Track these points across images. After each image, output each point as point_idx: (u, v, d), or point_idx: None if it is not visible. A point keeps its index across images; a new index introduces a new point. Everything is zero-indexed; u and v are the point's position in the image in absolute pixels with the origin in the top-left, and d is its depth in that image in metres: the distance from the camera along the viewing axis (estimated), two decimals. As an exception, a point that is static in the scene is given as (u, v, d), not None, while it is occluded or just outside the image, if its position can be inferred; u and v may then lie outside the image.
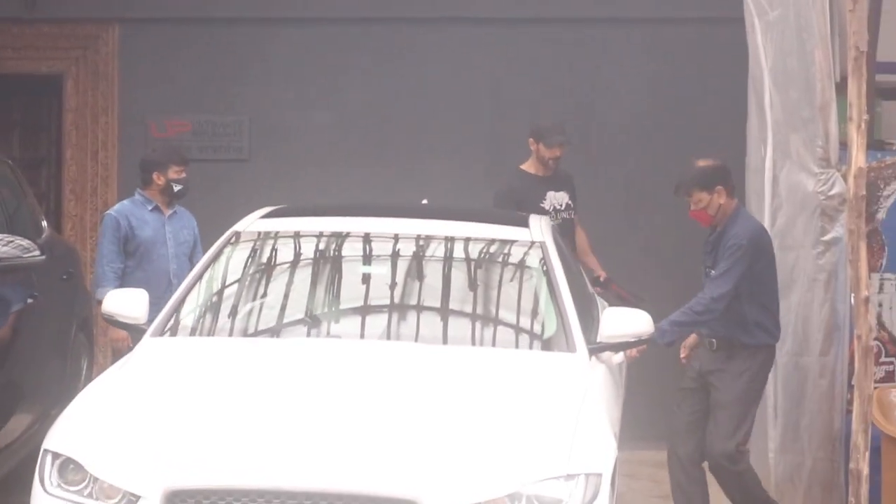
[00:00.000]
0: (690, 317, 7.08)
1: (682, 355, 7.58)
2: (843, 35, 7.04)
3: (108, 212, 8.44)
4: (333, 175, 10.29)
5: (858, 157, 6.17)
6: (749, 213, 7.68)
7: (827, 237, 7.73)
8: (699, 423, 7.32)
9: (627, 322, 6.34)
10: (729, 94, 9.37)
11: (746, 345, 7.23)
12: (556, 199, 8.81)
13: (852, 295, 6.31)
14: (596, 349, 6.27)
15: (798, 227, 7.83)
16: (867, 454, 6.11)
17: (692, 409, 7.35)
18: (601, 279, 8.78)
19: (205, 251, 7.19)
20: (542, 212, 8.42)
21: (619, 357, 6.57)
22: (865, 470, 6.10)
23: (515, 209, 8.21)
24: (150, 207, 8.39)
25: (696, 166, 7.36)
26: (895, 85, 8.71)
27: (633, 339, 6.32)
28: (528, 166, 8.84)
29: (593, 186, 9.90)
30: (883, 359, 7.92)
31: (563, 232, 8.36)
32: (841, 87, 7.20)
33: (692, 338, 7.55)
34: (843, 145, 6.64)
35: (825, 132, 7.63)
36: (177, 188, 8.40)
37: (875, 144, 7.98)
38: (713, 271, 7.19)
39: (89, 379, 8.16)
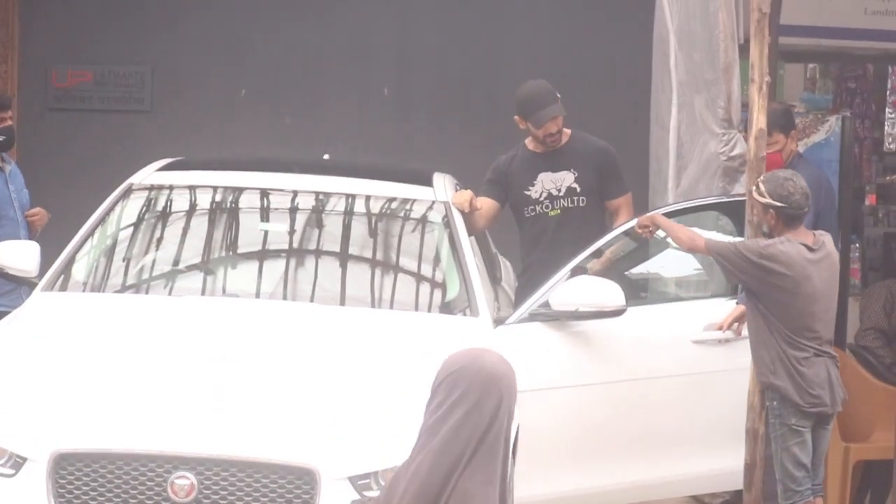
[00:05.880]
0: None
1: None
2: (748, -3, 7.02)
3: None
4: (236, 127, 10.16)
5: (759, 119, 6.19)
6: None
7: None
8: None
9: (584, 292, 6.07)
10: (637, 53, 9.33)
11: None
12: (553, 181, 6.98)
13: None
14: (546, 316, 6.12)
15: (700, 187, 7.84)
16: (763, 414, 6.15)
17: None
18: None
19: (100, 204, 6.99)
20: (530, 202, 6.97)
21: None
22: (762, 429, 6.15)
23: (502, 192, 7.00)
24: None
25: (772, 107, 6.68)
26: (798, 48, 8.73)
27: (591, 310, 6.07)
28: (531, 140, 7.09)
29: (499, 151, 9.78)
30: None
31: (565, 225, 6.87)
32: (744, 49, 7.19)
33: None
34: (746, 107, 6.62)
35: (727, 93, 7.65)
36: None
37: None
38: None
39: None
